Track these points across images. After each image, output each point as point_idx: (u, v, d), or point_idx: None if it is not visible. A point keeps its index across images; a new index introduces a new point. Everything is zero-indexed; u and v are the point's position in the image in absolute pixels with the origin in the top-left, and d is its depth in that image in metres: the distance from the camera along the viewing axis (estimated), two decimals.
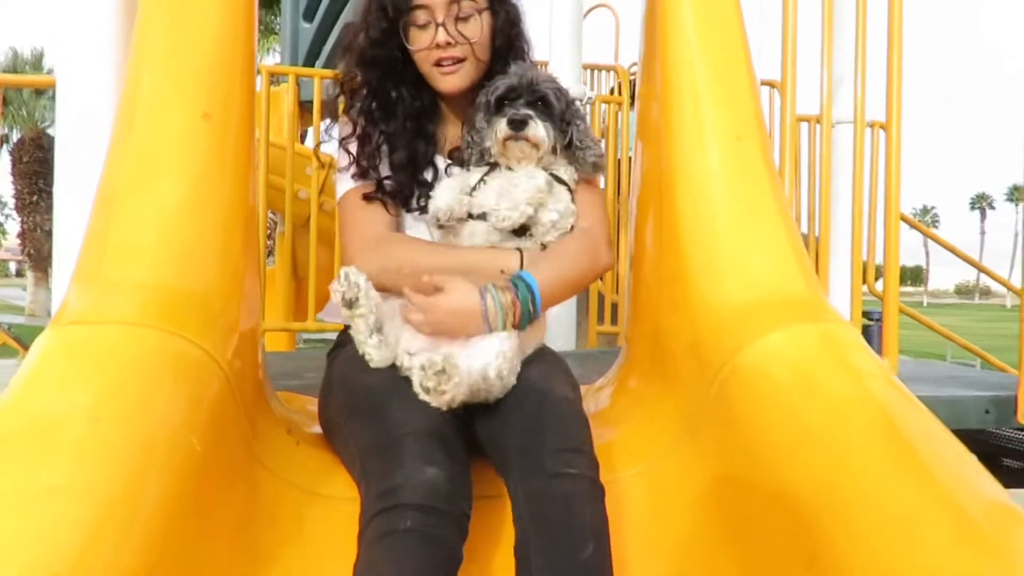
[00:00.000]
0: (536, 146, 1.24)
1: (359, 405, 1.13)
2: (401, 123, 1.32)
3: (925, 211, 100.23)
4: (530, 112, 1.22)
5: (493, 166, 1.28)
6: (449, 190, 1.25)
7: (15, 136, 24.06)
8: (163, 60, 1.07)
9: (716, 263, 1.15)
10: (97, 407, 0.80)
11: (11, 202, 23.70)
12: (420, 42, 1.29)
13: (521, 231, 1.25)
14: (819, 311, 1.10)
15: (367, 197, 1.30)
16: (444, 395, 1.04)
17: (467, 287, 1.16)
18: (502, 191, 1.23)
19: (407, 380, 1.11)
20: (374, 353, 1.13)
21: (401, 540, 0.91)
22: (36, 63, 25.15)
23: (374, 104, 1.33)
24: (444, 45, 1.27)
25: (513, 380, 1.12)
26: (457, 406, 1.06)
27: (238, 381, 0.99)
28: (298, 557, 0.99)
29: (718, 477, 1.06)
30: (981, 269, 4.53)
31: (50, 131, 24.66)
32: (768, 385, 1.01)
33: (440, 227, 1.26)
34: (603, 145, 3.76)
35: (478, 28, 1.29)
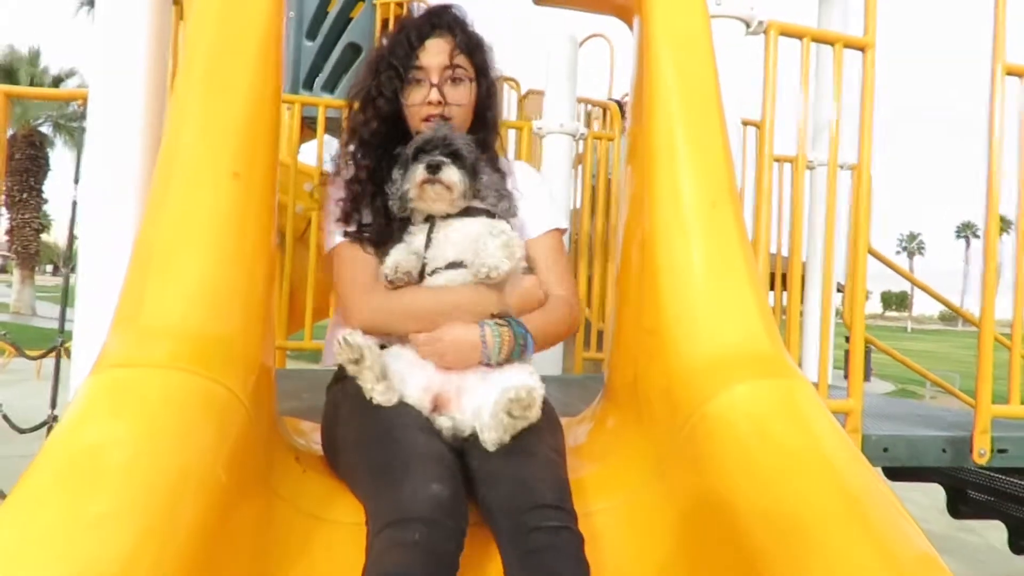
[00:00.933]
0: (449, 188, 1.36)
1: (366, 430, 1.23)
2: (387, 173, 1.46)
3: (911, 238, 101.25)
4: (445, 159, 1.35)
5: (432, 222, 1.40)
6: (397, 251, 1.38)
7: (7, 133, 23.94)
8: (198, 123, 1.18)
9: (690, 319, 1.27)
10: (137, 442, 0.91)
11: (1, 199, 23.63)
12: (414, 99, 1.47)
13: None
14: (780, 368, 1.22)
15: (350, 237, 1.43)
16: (528, 419, 1.17)
17: (465, 323, 1.32)
18: (466, 245, 1.34)
19: (408, 406, 1.25)
20: (381, 398, 1.24)
21: (410, 552, 1.00)
22: (32, 60, 25.16)
23: (375, 151, 1.49)
24: (435, 103, 1.45)
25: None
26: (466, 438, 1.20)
27: (256, 414, 1.10)
28: None
29: (684, 515, 1.18)
30: (945, 302, 4.68)
31: (43, 128, 24.69)
32: (730, 434, 1.13)
33: (395, 287, 1.35)
34: (595, 177, 3.90)
35: (466, 93, 1.49)
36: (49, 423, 3.65)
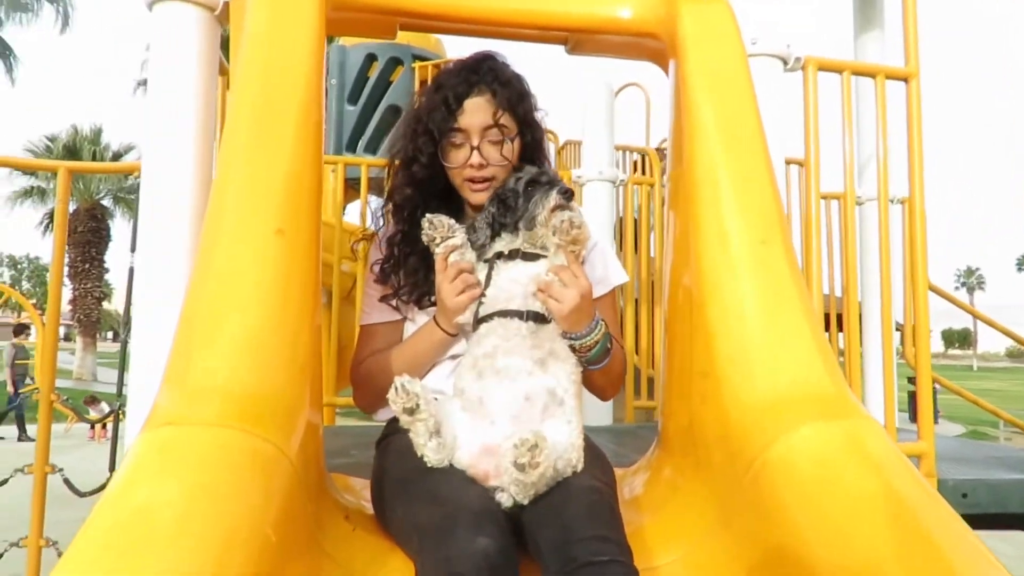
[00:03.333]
0: (572, 220, 1.33)
1: (413, 488, 1.21)
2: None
3: (970, 272, 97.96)
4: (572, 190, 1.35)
5: (491, 262, 1.36)
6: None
7: (71, 207, 25.40)
8: (244, 183, 1.21)
9: (746, 361, 1.22)
10: (186, 502, 0.90)
11: (65, 270, 24.73)
12: (455, 160, 1.45)
13: (542, 319, 1.31)
14: (845, 408, 1.16)
15: (383, 299, 1.49)
16: (537, 468, 1.10)
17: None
18: (526, 291, 1.31)
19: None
20: (432, 456, 1.20)
21: None
22: (95, 139, 26.64)
23: (406, 214, 1.50)
24: (477, 167, 1.42)
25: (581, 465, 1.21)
26: (540, 490, 1.13)
27: (304, 472, 1.09)
28: None
29: (752, 567, 1.11)
30: (1010, 335, 4.45)
31: (104, 202, 25.97)
32: (796, 480, 1.06)
33: (443, 241, 1.36)
34: (637, 222, 3.88)
35: (508, 151, 1.44)
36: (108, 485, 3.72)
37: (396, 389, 1.20)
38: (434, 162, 1.45)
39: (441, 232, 1.35)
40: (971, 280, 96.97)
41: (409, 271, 1.47)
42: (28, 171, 24.73)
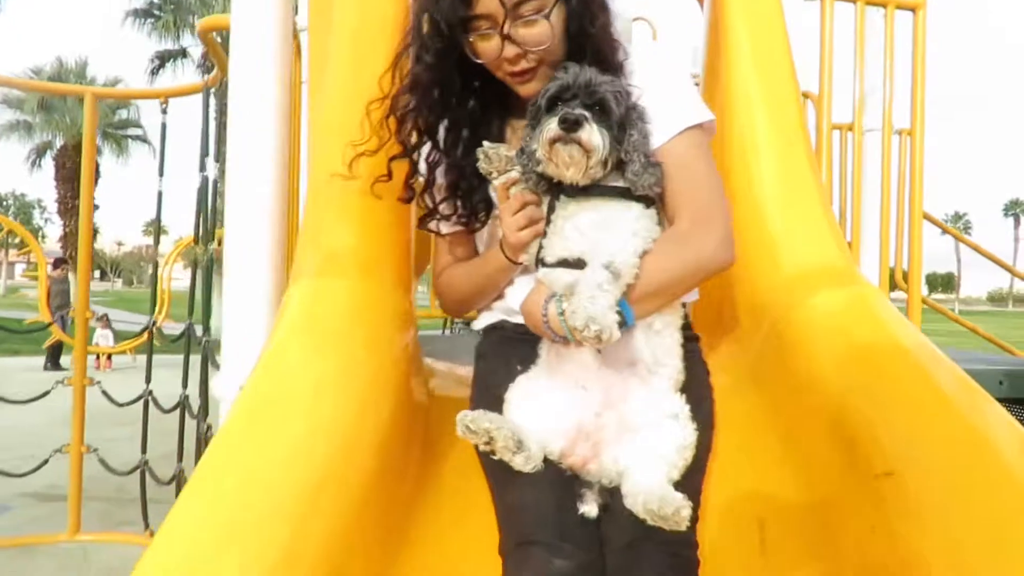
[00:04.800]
0: (588, 152, 1.08)
1: (493, 465, 1.12)
2: (453, 147, 1.26)
3: (957, 217, 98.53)
4: (585, 113, 1.07)
5: (552, 198, 1.15)
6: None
7: (58, 143, 25.02)
8: (347, 94, 1.41)
9: (770, 243, 1.47)
10: (328, 360, 1.10)
11: (53, 207, 24.58)
12: (487, 53, 1.17)
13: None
14: (853, 279, 1.42)
15: (423, 224, 1.34)
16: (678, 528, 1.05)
17: (541, 292, 1.13)
18: (591, 240, 1.12)
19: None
20: (524, 467, 1.10)
21: None
22: (80, 72, 26.04)
23: (422, 130, 1.27)
24: (513, 59, 1.16)
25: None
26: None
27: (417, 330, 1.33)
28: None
29: (777, 404, 1.36)
30: (1011, 271, 4.74)
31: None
32: (815, 332, 1.31)
33: (501, 173, 1.20)
34: None
35: (547, 30, 1.15)
36: (145, 397, 3.98)
37: (464, 431, 1.10)
38: (443, 62, 1.19)
39: (498, 166, 1.18)
40: (958, 225, 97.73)
41: (444, 191, 1.28)
42: (15, 105, 24.30)
